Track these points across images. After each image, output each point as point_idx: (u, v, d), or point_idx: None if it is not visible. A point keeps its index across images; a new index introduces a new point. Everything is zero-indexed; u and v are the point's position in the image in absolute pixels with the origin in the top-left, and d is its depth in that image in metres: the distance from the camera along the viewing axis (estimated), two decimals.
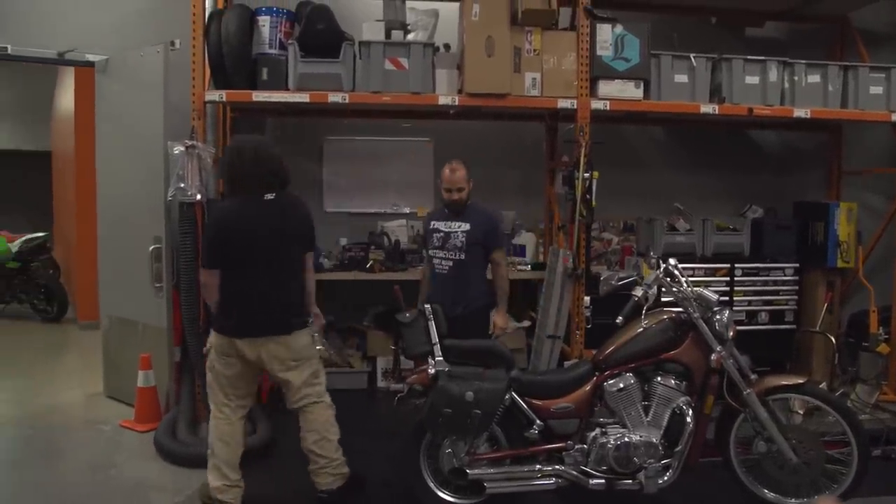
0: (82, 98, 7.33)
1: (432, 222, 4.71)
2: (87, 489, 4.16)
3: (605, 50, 5.18)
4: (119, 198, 5.36)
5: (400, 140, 6.34)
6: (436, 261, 4.62)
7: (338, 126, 6.27)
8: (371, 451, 4.51)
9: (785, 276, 5.85)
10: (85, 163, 6.88)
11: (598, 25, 5.16)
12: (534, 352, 5.53)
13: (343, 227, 6.32)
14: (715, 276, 5.74)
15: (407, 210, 6.42)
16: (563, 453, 3.67)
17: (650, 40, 5.22)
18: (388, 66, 5.07)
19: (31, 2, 5.62)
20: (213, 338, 3.74)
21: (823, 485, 3.73)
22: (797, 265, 5.88)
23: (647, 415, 3.66)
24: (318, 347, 3.93)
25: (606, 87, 5.23)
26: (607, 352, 3.76)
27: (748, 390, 3.66)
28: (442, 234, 4.58)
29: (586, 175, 5.09)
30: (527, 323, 6.07)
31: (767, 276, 5.83)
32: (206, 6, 5.07)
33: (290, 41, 5.02)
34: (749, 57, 5.43)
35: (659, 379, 3.67)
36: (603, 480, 3.62)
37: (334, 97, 5.03)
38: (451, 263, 4.53)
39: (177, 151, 4.74)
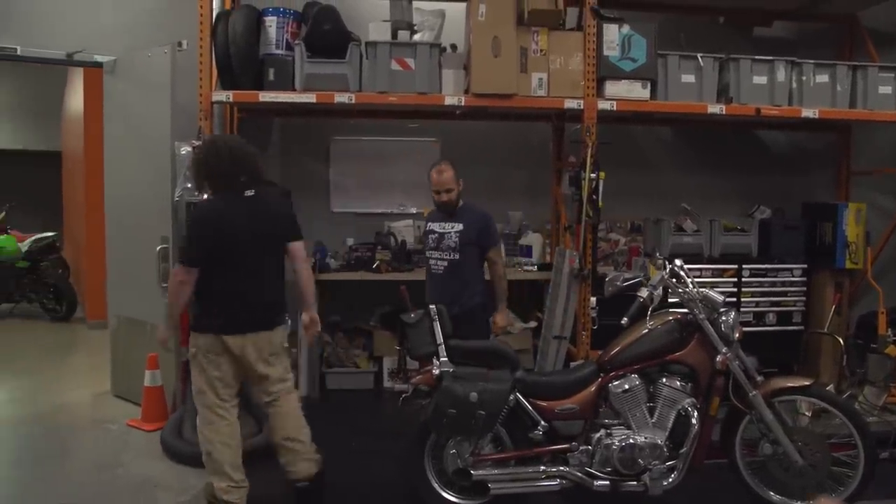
0: (91, 98, 7.37)
1: (428, 224, 4.74)
2: (94, 488, 4.18)
3: (611, 50, 5.18)
4: (127, 198, 5.38)
5: (407, 140, 6.34)
6: (432, 262, 4.64)
7: (344, 126, 6.27)
8: (376, 452, 4.53)
9: (793, 277, 5.81)
10: (94, 163, 6.91)
11: (604, 25, 5.16)
12: (540, 352, 5.52)
13: (349, 228, 6.32)
14: (722, 276, 5.70)
15: (413, 210, 6.42)
16: (568, 454, 3.66)
17: (657, 40, 5.22)
18: (395, 66, 5.08)
19: (39, 3, 5.65)
20: (197, 340, 3.64)
21: (829, 487, 3.71)
22: (805, 266, 5.83)
23: (652, 416, 3.64)
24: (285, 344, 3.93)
25: (613, 88, 5.23)
26: (612, 353, 3.74)
27: (754, 392, 3.65)
28: (436, 234, 4.60)
29: (593, 175, 5.09)
30: (533, 323, 6.07)
31: (775, 277, 5.78)
32: (214, 7, 5.09)
33: (296, 42, 5.04)
34: (757, 57, 5.41)
35: (664, 380, 3.66)
36: (607, 482, 3.61)
37: (340, 97, 5.04)
38: (445, 264, 4.54)
39: (184, 152, 4.75)
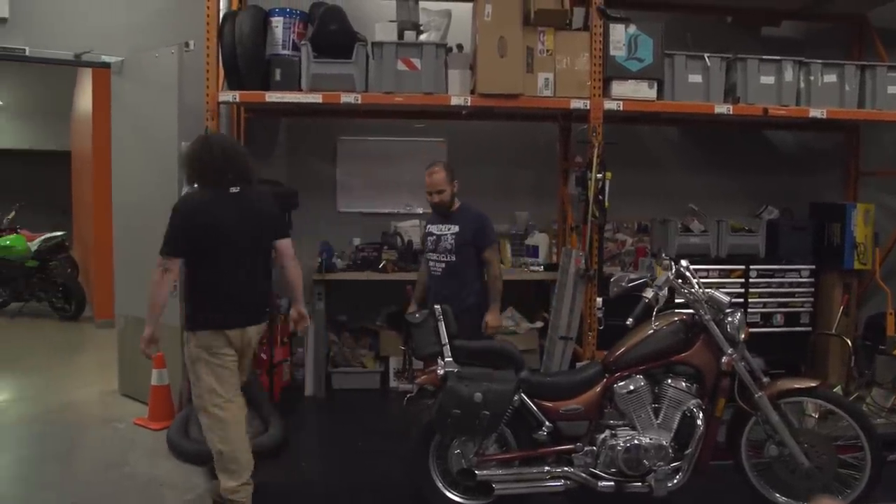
0: (99, 99, 7.41)
1: (427, 226, 4.73)
2: (101, 486, 4.20)
3: (618, 50, 5.16)
4: (134, 198, 5.41)
5: (413, 140, 6.34)
6: (430, 263, 4.64)
7: (351, 126, 6.28)
8: (382, 452, 4.53)
9: (800, 277, 5.78)
10: (102, 163, 6.95)
11: (611, 25, 5.15)
12: (546, 353, 5.52)
13: (356, 228, 6.33)
14: (730, 277, 5.68)
15: (420, 210, 6.40)
16: (572, 455, 3.65)
17: (664, 40, 5.20)
18: (401, 66, 5.08)
19: (48, 4, 5.68)
20: (198, 339, 3.62)
21: (836, 489, 3.69)
22: (813, 267, 5.81)
23: (657, 417, 3.63)
24: None
25: (620, 88, 5.22)
26: (617, 353, 3.73)
27: (760, 393, 3.63)
28: (434, 237, 4.60)
29: (599, 176, 5.07)
30: (539, 324, 6.06)
31: (783, 277, 5.76)
32: (220, 7, 5.10)
33: (303, 42, 5.05)
34: (764, 57, 5.39)
35: (669, 381, 3.65)
36: (612, 483, 3.60)
37: (347, 98, 5.05)
38: (443, 265, 4.54)
39: None
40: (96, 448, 4.77)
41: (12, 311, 8.97)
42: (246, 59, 5.00)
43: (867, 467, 3.64)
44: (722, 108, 5.32)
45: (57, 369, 6.61)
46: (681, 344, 3.69)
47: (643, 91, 5.23)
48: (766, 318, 5.74)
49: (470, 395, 3.51)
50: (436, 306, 3.82)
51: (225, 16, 5.08)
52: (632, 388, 3.64)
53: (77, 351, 7.56)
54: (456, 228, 4.51)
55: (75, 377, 6.33)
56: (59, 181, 11.32)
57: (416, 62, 5.08)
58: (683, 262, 3.80)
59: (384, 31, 5.21)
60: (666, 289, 3.71)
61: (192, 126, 5.01)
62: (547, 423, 3.63)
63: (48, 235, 8.94)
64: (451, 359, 3.70)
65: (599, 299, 5.17)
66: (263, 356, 5.33)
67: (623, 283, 3.84)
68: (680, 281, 3.75)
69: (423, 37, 5.32)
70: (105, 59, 5.57)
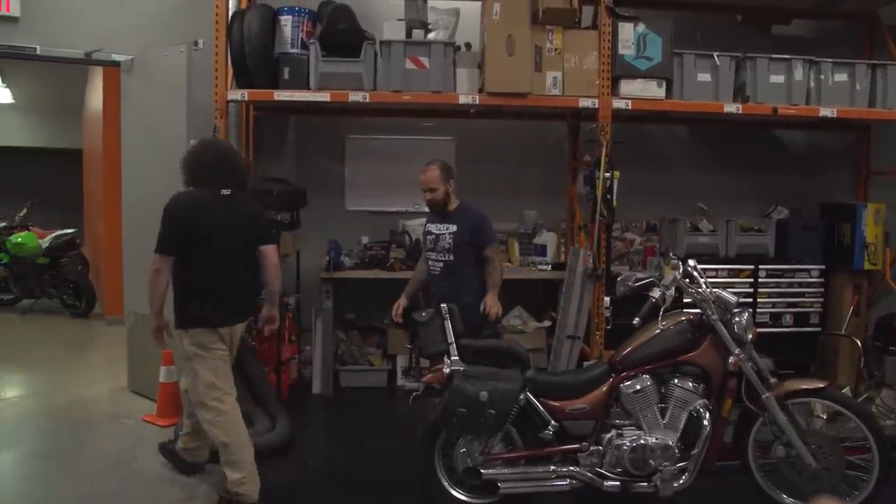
0: (110, 97, 7.45)
1: (427, 225, 4.70)
2: (109, 482, 4.23)
3: (627, 49, 5.15)
4: (143, 195, 5.42)
5: (422, 139, 6.34)
6: (430, 263, 4.60)
7: (359, 125, 6.29)
8: (389, 450, 4.54)
9: (810, 277, 5.76)
10: (112, 160, 6.98)
11: (620, 24, 5.14)
12: (553, 352, 5.51)
13: (364, 226, 6.33)
14: (739, 277, 5.67)
15: (428, 209, 6.41)
16: (578, 455, 3.64)
17: (673, 39, 5.19)
18: (409, 65, 5.09)
19: (59, 3, 5.71)
20: (192, 337, 3.71)
21: (844, 491, 3.67)
22: (823, 267, 5.78)
23: (663, 417, 3.62)
24: None
25: (628, 87, 5.21)
26: (624, 353, 3.73)
27: (767, 394, 3.62)
28: (433, 236, 4.56)
29: (607, 175, 5.06)
30: (547, 323, 6.05)
31: (792, 277, 5.74)
32: (230, 6, 5.13)
33: (311, 41, 5.06)
34: (774, 56, 5.37)
35: (676, 381, 3.64)
36: (618, 483, 3.59)
37: (355, 96, 5.06)
38: (441, 265, 4.50)
39: None
40: (105, 444, 4.79)
41: (23, 308, 9.03)
42: (254, 58, 5.03)
43: (875, 469, 3.61)
44: (731, 108, 5.30)
45: (67, 366, 6.66)
46: (688, 344, 3.68)
47: (652, 90, 5.22)
48: (776, 319, 5.72)
49: (476, 394, 3.51)
50: (442, 305, 3.82)
51: (234, 14, 5.11)
52: (638, 387, 3.63)
53: (87, 348, 7.61)
54: (454, 228, 4.47)
55: (85, 374, 6.37)
56: (70, 179, 11.39)
57: (425, 61, 5.09)
58: (691, 262, 3.79)
59: (392, 30, 5.22)
60: (673, 288, 3.70)
61: (201, 124, 5.04)
62: (553, 422, 3.62)
63: (59, 233, 8.99)
64: (457, 357, 3.70)
65: (607, 298, 5.15)
66: (252, 340, 5.32)
67: (630, 283, 3.82)
68: (687, 280, 3.74)
69: (431, 35, 5.32)
70: (115, 57, 5.61)
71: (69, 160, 11.53)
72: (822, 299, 5.78)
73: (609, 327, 5.16)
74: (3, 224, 9.37)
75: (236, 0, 5.28)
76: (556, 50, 5.12)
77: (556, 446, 3.66)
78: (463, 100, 5.14)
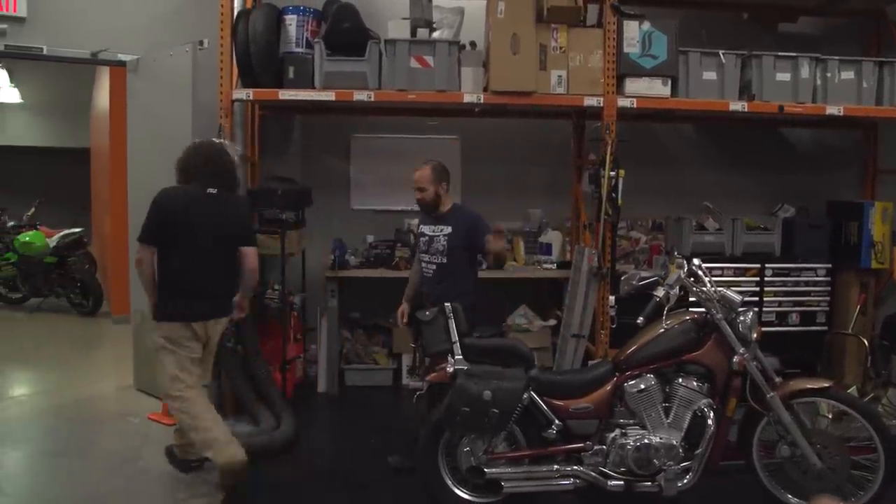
0: (116, 96, 7.46)
1: (420, 226, 4.62)
2: (115, 480, 4.25)
3: (632, 47, 5.14)
4: (149, 195, 5.41)
5: (427, 138, 6.33)
6: (423, 264, 4.52)
7: (364, 124, 6.30)
8: (394, 449, 4.53)
9: (817, 276, 5.73)
10: (118, 160, 7.00)
11: (625, 22, 5.12)
12: (558, 351, 5.51)
13: (369, 225, 6.34)
14: (745, 276, 5.65)
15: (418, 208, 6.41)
16: (582, 454, 3.64)
17: (678, 37, 5.16)
18: (414, 64, 5.09)
19: (65, 3, 5.74)
20: (164, 330, 3.89)
21: (849, 491, 3.66)
22: (829, 266, 5.75)
23: (667, 416, 3.62)
24: None
25: (633, 85, 5.19)
26: (628, 352, 3.73)
27: (772, 393, 3.60)
28: (427, 237, 4.48)
29: (612, 173, 5.05)
30: (552, 321, 6.04)
31: (799, 276, 5.71)
32: (235, 6, 5.14)
33: (316, 40, 5.07)
34: (780, 53, 5.34)
35: (680, 380, 3.63)
36: (622, 482, 3.59)
37: (360, 95, 5.06)
38: (434, 267, 4.41)
39: None
40: (111, 442, 4.82)
41: (31, 307, 9.08)
42: (259, 57, 5.04)
43: (881, 469, 3.60)
44: (737, 106, 5.28)
45: (74, 364, 6.70)
46: (692, 343, 3.67)
47: (657, 88, 5.20)
48: (782, 318, 5.69)
49: (479, 393, 3.51)
50: (445, 304, 3.82)
51: (239, 14, 5.12)
52: (642, 386, 3.62)
53: (94, 346, 7.65)
54: (448, 229, 4.38)
55: (92, 372, 6.40)
56: (78, 178, 11.42)
57: (429, 60, 5.09)
58: (695, 261, 3.78)
59: (397, 29, 5.21)
60: (677, 287, 3.69)
61: (206, 124, 5.05)
62: (557, 421, 3.62)
63: (66, 232, 9.03)
64: (460, 356, 3.70)
65: (612, 297, 5.15)
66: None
67: (634, 282, 3.81)
68: (692, 279, 3.73)
69: (436, 34, 5.31)
70: (121, 57, 5.63)
71: (77, 159, 11.56)
72: (828, 298, 5.75)
73: (614, 326, 5.14)
74: (12, 223, 9.42)
75: (241, 0, 5.29)
76: (560, 48, 5.11)
77: (560, 445, 3.65)
78: (468, 98, 5.14)
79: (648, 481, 3.59)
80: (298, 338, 5.91)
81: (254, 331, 5.11)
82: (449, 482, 3.75)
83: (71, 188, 11.67)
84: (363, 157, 6.40)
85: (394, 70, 5.07)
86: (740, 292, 3.74)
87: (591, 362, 4.97)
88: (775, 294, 5.68)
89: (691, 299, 3.88)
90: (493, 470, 3.62)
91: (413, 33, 5.21)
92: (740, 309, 3.65)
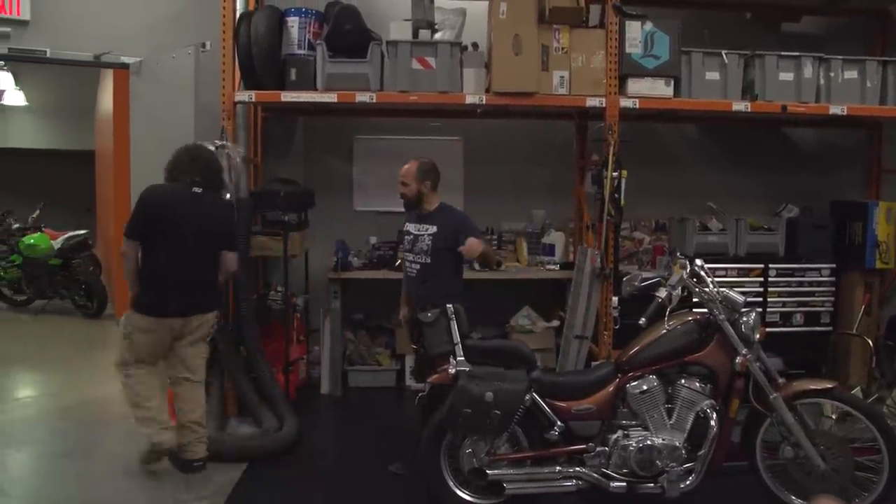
0: (119, 99, 7.49)
1: (406, 224, 4.55)
2: (119, 482, 4.27)
3: (634, 47, 5.13)
4: None
5: (429, 139, 6.32)
6: (406, 264, 4.49)
7: (367, 125, 6.30)
8: (398, 450, 4.53)
9: (821, 276, 5.72)
10: (122, 162, 7.01)
11: (627, 22, 5.12)
12: (561, 352, 5.50)
13: (372, 226, 6.33)
14: (748, 276, 5.63)
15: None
16: (584, 455, 3.63)
17: (680, 37, 5.15)
18: (416, 65, 5.08)
19: (68, 6, 5.76)
20: (132, 319, 4.04)
21: (853, 493, 3.64)
22: (834, 266, 5.74)
23: (670, 418, 3.60)
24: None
25: (636, 85, 5.18)
26: (630, 353, 3.71)
27: (775, 394, 3.59)
28: (411, 236, 4.43)
29: (615, 174, 5.04)
30: (555, 322, 6.03)
31: (803, 276, 5.70)
32: (237, 8, 5.14)
33: (318, 41, 5.07)
34: (783, 53, 5.32)
35: (683, 381, 3.62)
36: (624, 483, 3.57)
37: (362, 97, 5.06)
38: (417, 267, 4.36)
39: None
40: (115, 444, 4.82)
41: (36, 309, 9.11)
42: (262, 59, 5.04)
43: (885, 470, 3.57)
44: (740, 106, 5.26)
45: (78, 366, 6.71)
46: (695, 344, 3.66)
47: (659, 89, 5.19)
48: (786, 318, 5.68)
49: (481, 395, 3.50)
50: (448, 305, 3.81)
51: (241, 16, 5.12)
52: (645, 388, 3.61)
53: (98, 348, 7.64)
54: (433, 229, 4.32)
55: (96, 374, 6.40)
56: (83, 180, 11.45)
57: (431, 61, 5.08)
58: (698, 262, 3.77)
59: (399, 30, 5.21)
60: (680, 288, 3.68)
61: (208, 126, 5.07)
62: (559, 422, 3.61)
63: (71, 234, 9.05)
64: (462, 358, 3.69)
65: (615, 298, 5.13)
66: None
67: (636, 283, 3.80)
68: (694, 280, 3.72)
69: (437, 35, 5.31)
70: (124, 59, 5.67)
71: (82, 162, 11.59)
72: (832, 298, 5.73)
73: (617, 327, 5.12)
74: (17, 225, 9.44)
75: (243, 2, 5.29)
76: (562, 49, 5.10)
77: (562, 447, 3.64)
78: (470, 100, 5.14)
79: (651, 483, 3.58)
80: (301, 339, 5.91)
81: (257, 332, 5.12)
82: (451, 483, 3.74)
83: (75, 190, 11.70)
84: (366, 158, 6.40)
85: (396, 71, 5.07)
86: (744, 293, 3.74)
87: (593, 363, 4.96)
88: (779, 294, 5.66)
89: (694, 300, 3.87)
90: (496, 471, 3.61)
91: (415, 34, 5.21)
92: (743, 310, 3.64)
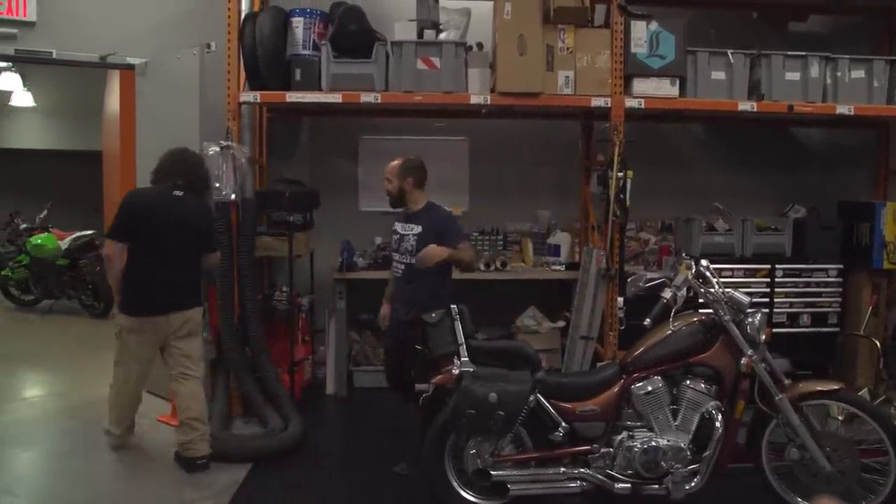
0: (125, 100, 7.51)
1: (395, 223, 4.53)
2: (124, 481, 4.30)
3: (639, 47, 5.11)
4: None
5: (435, 139, 6.33)
6: (394, 263, 4.48)
7: (372, 126, 6.29)
8: (402, 450, 4.53)
9: (828, 277, 5.68)
10: (128, 162, 7.03)
11: (632, 22, 5.10)
12: (567, 352, 5.49)
13: (377, 226, 6.29)
14: (755, 277, 5.61)
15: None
16: (589, 456, 3.62)
17: (686, 37, 5.13)
18: (421, 65, 5.08)
19: (74, 8, 5.77)
20: (121, 320, 4.28)
21: (859, 495, 3.62)
22: (841, 266, 5.70)
23: (675, 419, 3.59)
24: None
25: (641, 85, 5.16)
26: (635, 354, 3.71)
27: (780, 395, 3.57)
28: (398, 235, 4.43)
29: (620, 174, 5.03)
30: (561, 323, 6.02)
31: (810, 277, 5.66)
32: (242, 9, 5.15)
33: (323, 42, 5.07)
34: (789, 52, 5.30)
35: (688, 382, 3.61)
36: (629, 485, 3.57)
37: (366, 97, 5.06)
38: (403, 267, 4.36)
39: (212, 152, 4.83)
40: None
41: (43, 309, 9.15)
42: (266, 60, 5.05)
43: (892, 472, 3.56)
44: (746, 106, 5.23)
45: (85, 365, 6.72)
46: (700, 345, 3.65)
47: (665, 88, 5.17)
48: (793, 319, 5.65)
49: (485, 395, 3.50)
50: (452, 306, 3.81)
51: (246, 17, 5.13)
52: (650, 389, 3.60)
53: (104, 348, 7.57)
54: (418, 229, 4.31)
55: (102, 373, 6.33)
56: (90, 181, 11.48)
57: (436, 61, 5.08)
58: (703, 262, 3.75)
59: (404, 31, 5.21)
60: (685, 289, 3.67)
61: (213, 127, 5.08)
62: (563, 423, 3.60)
63: (78, 234, 9.09)
64: (466, 358, 3.68)
65: (620, 299, 5.12)
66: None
67: (640, 283, 3.80)
68: (699, 281, 3.71)
69: (442, 35, 5.30)
70: (129, 60, 5.67)
71: (89, 162, 11.62)
72: (840, 299, 5.70)
73: (623, 328, 5.12)
74: (24, 226, 9.49)
75: (248, 2, 5.29)
76: (567, 49, 5.09)
77: (567, 448, 3.63)
78: (475, 100, 5.13)
79: (656, 484, 3.57)
80: (307, 339, 5.91)
81: (262, 333, 5.13)
82: (455, 484, 3.74)
83: (83, 191, 11.72)
84: (371, 158, 6.39)
85: (400, 72, 5.07)
86: (751, 293, 3.73)
87: (599, 364, 4.94)
88: (786, 295, 5.63)
89: (700, 301, 3.85)
90: (500, 472, 3.61)
91: (420, 35, 5.21)
92: (748, 310, 3.62)
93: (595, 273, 5.19)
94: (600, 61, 5.11)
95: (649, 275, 3.87)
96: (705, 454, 3.54)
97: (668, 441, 3.55)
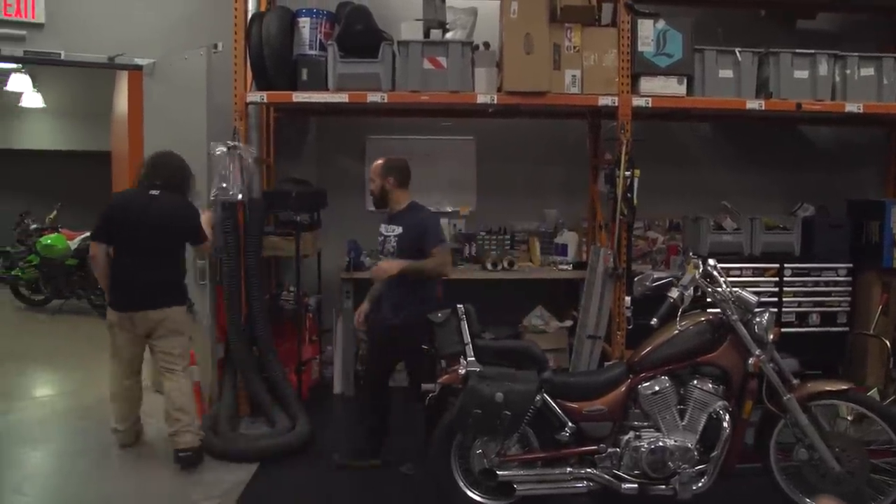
0: (133, 100, 7.54)
1: (381, 224, 4.47)
2: (131, 480, 4.32)
3: (646, 46, 5.10)
4: None
5: (442, 139, 6.33)
6: None
7: (379, 125, 6.30)
8: (408, 450, 4.53)
9: (837, 276, 5.67)
10: (136, 163, 7.05)
11: (639, 21, 5.09)
12: (574, 352, 5.48)
13: None
14: (764, 276, 5.59)
15: (450, 209, 6.40)
16: (596, 456, 3.61)
17: (693, 35, 5.12)
18: (427, 65, 5.08)
19: (82, 9, 5.80)
20: (109, 316, 4.47)
21: (868, 496, 3.59)
22: (850, 265, 5.68)
23: (682, 419, 3.58)
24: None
25: (648, 84, 5.16)
26: (642, 354, 3.69)
27: (788, 395, 3.55)
28: (382, 237, 4.37)
29: (627, 173, 5.02)
30: (569, 322, 6.01)
31: (819, 276, 5.65)
32: (249, 9, 5.16)
33: (329, 42, 5.08)
34: (797, 50, 5.27)
35: (695, 382, 3.59)
36: (635, 485, 3.55)
37: (373, 97, 5.07)
38: None
39: (219, 152, 4.84)
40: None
41: (53, 308, 9.20)
42: (273, 60, 5.06)
43: None
44: (754, 104, 5.21)
45: (95, 365, 6.72)
46: (707, 344, 3.63)
47: (672, 87, 5.15)
48: (802, 318, 5.64)
49: (491, 395, 3.49)
50: (458, 305, 3.80)
51: (252, 17, 5.14)
52: (657, 389, 3.59)
53: None
54: (399, 230, 4.25)
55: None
56: (100, 181, 11.53)
57: (443, 61, 5.08)
58: (711, 262, 3.74)
59: (410, 30, 5.21)
60: (692, 288, 3.65)
61: (221, 127, 5.10)
62: (570, 423, 3.59)
63: (88, 234, 9.08)
64: (473, 358, 3.68)
65: (628, 298, 5.11)
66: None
67: (647, 283, 3.78)
68: (707, 280, 3.69)
69: (449, 35, 5.31)
70: (137, 61, 5.70)
71: (99, 162, 11.67)
72: (849, 298, 5.68)
73: (630, 327, 5.10)
74: (34, 226, 9.54)
75: (255, 3, 5.31)
76: (574, 48, 5.08)
77: (573, 448, 3.62)
78: (481, 99, 5.13)
79: (663, 484, 3.56)
80: (314, 339, 5.92)
81: (269, 332, 5.13)
82: (461, 484, 3.73)
83: (92, 191, 11.75)
84: (378, 158, 6.37)
85: (407, 71, 5.07)
86: (759, 293, 3.73)
87: (606, 364, 4.93)
88: (795, 294, 5.62)
89: (708, 300, 3.84)
90: (506, 472, 3.60)
91: (426, 34, 5.21)
92: (756, 310, 3.60)
93: (602, 272, 5.18)
94: (607, 60, 5.10)
95: (656, 274, 3.85)
96: (713, 454, 3.53)
97: (675, 441, 3.54)
